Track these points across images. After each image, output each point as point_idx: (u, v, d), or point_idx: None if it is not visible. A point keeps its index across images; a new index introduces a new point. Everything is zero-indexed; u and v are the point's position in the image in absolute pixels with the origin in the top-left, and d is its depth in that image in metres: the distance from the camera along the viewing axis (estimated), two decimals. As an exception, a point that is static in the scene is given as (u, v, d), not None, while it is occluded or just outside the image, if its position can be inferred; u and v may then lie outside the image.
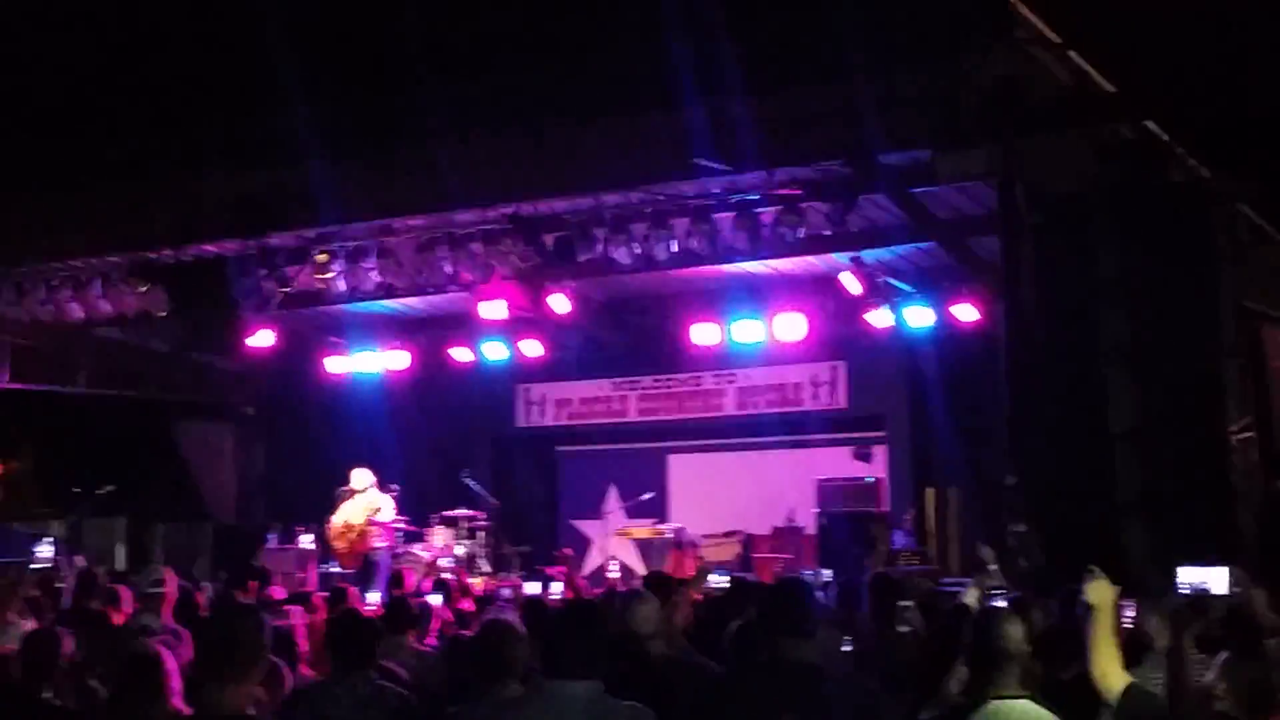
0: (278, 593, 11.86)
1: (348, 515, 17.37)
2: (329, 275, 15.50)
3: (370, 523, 17.28)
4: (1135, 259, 12.48)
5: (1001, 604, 9.39)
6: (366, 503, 17.39)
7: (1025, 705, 5.27)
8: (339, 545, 17.37)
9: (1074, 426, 12.69)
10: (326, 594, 11.52)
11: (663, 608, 7.03)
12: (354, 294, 15.98)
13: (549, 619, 5.57)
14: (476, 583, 16.21)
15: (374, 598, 11.85)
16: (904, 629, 8.61)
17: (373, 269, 15.38)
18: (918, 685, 6.65)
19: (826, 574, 13.82)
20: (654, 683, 6.01)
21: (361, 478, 17.53)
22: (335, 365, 19.69)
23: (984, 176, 12.81)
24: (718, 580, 11.18)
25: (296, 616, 9.38)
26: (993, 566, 13.51)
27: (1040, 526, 12.71)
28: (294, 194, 14.60)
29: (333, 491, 17.73)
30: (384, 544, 17.39)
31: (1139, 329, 12.48)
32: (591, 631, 5.17)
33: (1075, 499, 12.64)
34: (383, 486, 17.66)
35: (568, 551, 14.83)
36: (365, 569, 17.01)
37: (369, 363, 19.52)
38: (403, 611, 9.08)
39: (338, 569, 17.38)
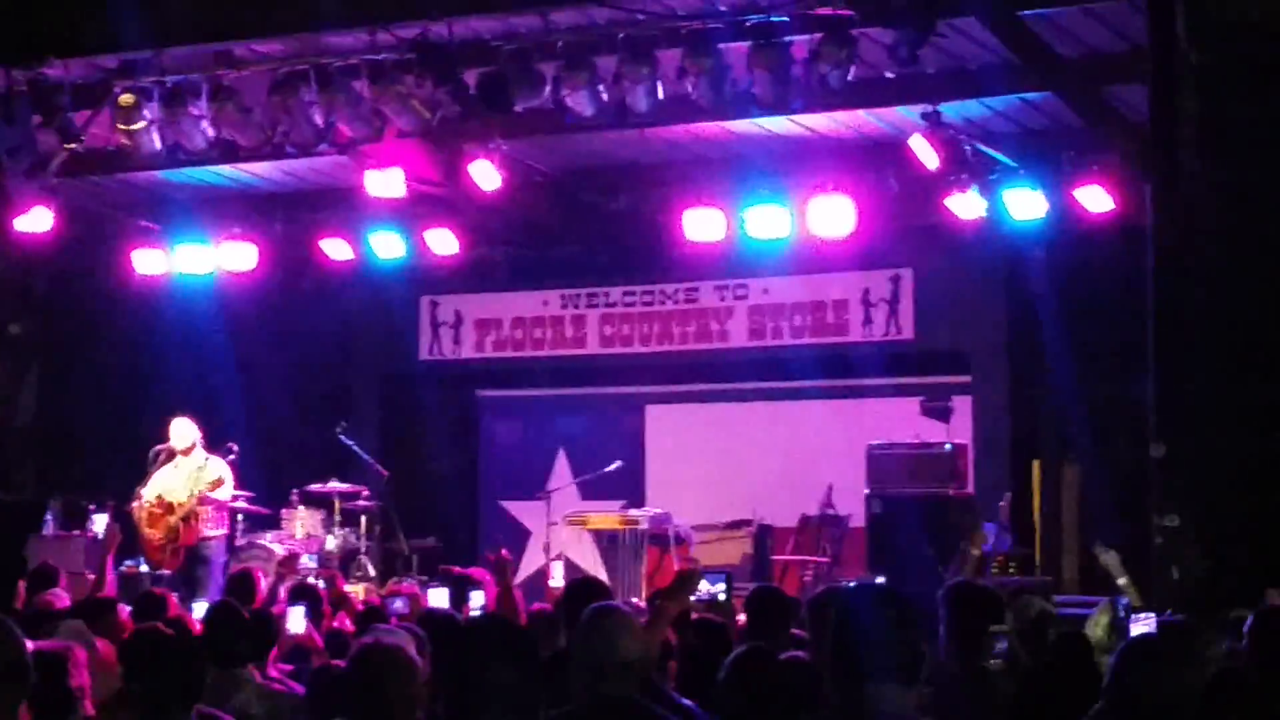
0: (59, 600, 11.83)
1: (165, 488, 17.35)
2: (137, 126, 15.36)
3: (201, 500, 17.28)
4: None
5: (1146, 630, 9.45)
6: (194, 470, 17.37)
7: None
8: (152, 533, 17.38)
9: (1256, 371, 12.71)
10: (131, 603, 11.51)
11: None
12: (175, 155, 15.84)
13: (460, 644, 5.53)
14: (356, 591, 16.20)
15: (202, 610, 11.85)
16: (996, 665, 8.64)
17: (204, 118, 15.26)
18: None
19: (879, 584, 13.86)
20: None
21: (184, 432, 17.50)
22: (146, 263, 19.61)
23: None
24: (709, 589, 11.19)
25: (84, 637, 9.34)
26: (1121, 580, 13.60)
27: (1201, 520, 12.77)
28: (86, 1, 14.46)
29: (141, 451, 17.72)
30: (219, 531, 17.40)
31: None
32: (523, 663, 5.15)
33: (1253, 480, 12.67)
34: (215, 447, 17.66)
35: (503, 554, 14.69)
36: (190, 568, 17.02)
37: (197, 260, 19.45)
38: (241, 631, 9.05)
39: (147, 567, 17.36)
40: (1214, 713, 6.23)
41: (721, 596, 11.01)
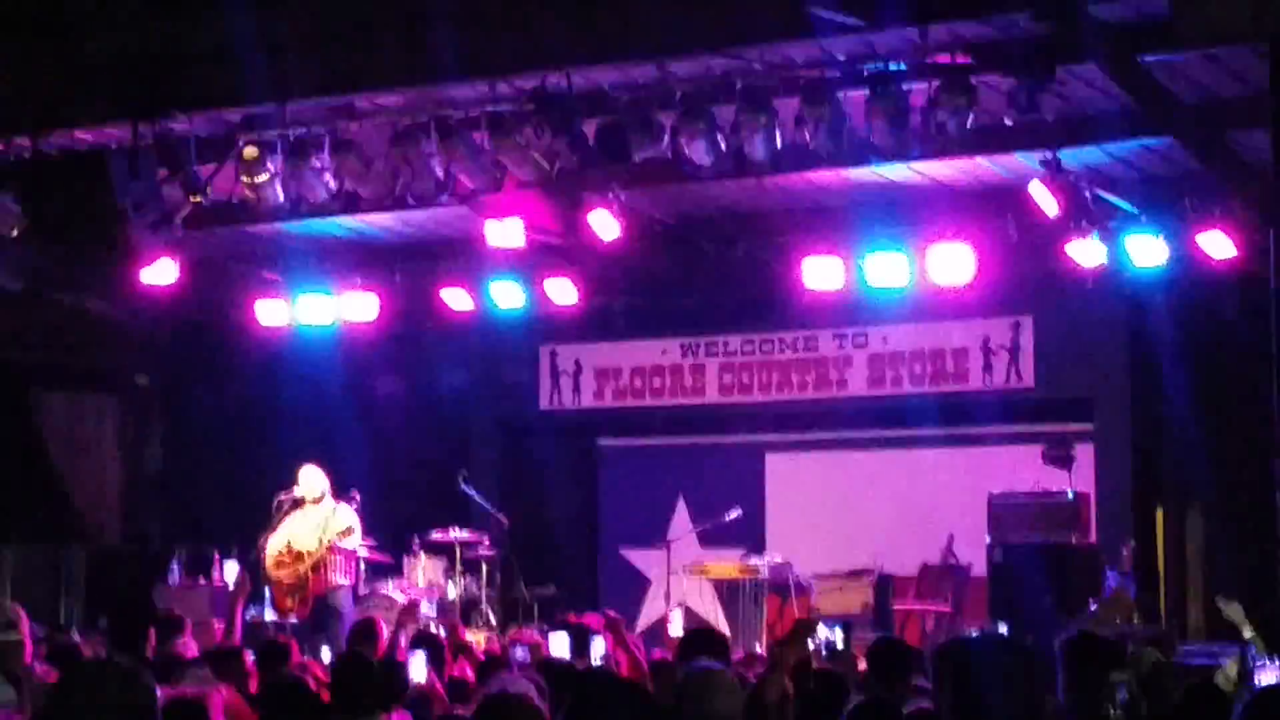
0: (188, 649, 11.92)
1: (294, 535, 17.44)
2: (260, 179, 15.51)
3: (331, 549, 17.37)
4: None
5: (1274, 680, 9.34)
6: (323, 518, 17.45)
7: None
8: (280, 580, 17.45)
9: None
10: (257, 651, 11.59)
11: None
12: (297, 207, 15.99)
13: (585, 694, 5.56)
14: (477, 639, 16.25)
15: (328, 658, 11.91)
16: (1117, 715, 8.58)
17: (326, 170, 15.39)
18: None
19: (1001, 634, 13.80)
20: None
21: (313, 480, 17.56)
22: (269, 314, 19.79)
23: (1248, 36, 12.65)
24: (826, 635, 11.17)
25: (210, 685, 9.42)
26: (1247, 631, 13.44)
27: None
28: (208, 55, 14.62)
29: (265, 500, 17.83)
30: (347, 581, 17.46)
31: None
32: (637, 713, 5.17)
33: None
34: (339, 495, 17.75)
35: (612, 615, 14.82)
36: (318, 616, 17.06)
37: (319, 311, 19.62)
38: (369, 680, 9.09)
39: (273, 615, 17.46)
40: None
41: (840, 645, 10.99)
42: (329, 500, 17.46)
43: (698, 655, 9.87)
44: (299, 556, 17.29)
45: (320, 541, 17.27)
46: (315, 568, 17.24)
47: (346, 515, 17.41)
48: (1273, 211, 13.32)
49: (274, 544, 17.38)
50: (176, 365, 21.50)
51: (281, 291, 19.70)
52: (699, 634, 10.62)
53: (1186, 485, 17.91)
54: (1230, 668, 10.39)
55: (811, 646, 10.86)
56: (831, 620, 16.47)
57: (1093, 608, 16.19)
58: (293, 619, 17.12)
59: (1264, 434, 13.86)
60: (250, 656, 11.32)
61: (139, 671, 5.62)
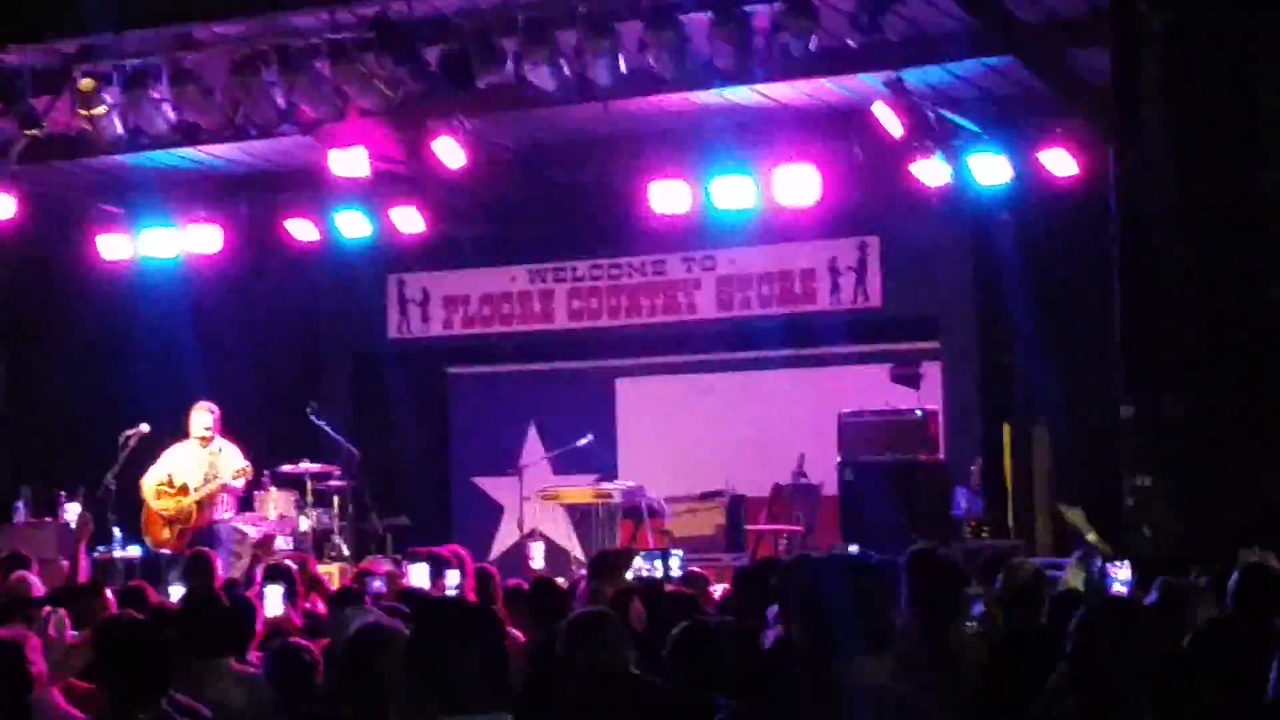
0: (33, 587, 11.78)
1: (177, 470, 17.26)
2: (98, 111, 15.32)
3: (226, 489, 17.25)
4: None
5: (1121, 589, 9.48)
6: (210, 455, 17.28)
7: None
8: (162, 509, 17.25)
9: (1222, 330, 12.73)
10: (116, 593, 11.47)
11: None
12: (137, 139, 15.81)
13: (438, 623, 5.52)
14: (331, 571, 16.19)
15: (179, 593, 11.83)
16: (971, 628, 8.66)
17: (165, 101, 15.22)
18: (995, 713, 6.68)
19: (853, 552, 13.90)
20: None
21: (204, 420, 17.39)
22: (111, 247, 19.56)
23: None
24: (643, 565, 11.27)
25: (61, 626, 9.36)
26: (1090, 535, 13.65)
27: (1172, 477, 12.80)
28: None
29: (113, 436, 17.66)
30: (228, 515, 17.38)
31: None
32: (494, 646, 5.18)
33: (1224, 436, 12.70)
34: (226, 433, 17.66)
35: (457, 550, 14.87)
36: (199, 550, 16.94)
37: (162, 243, 19.42)
38: (216, 616, 9.02)
39: (131, 552, 17.31)
40: (1195, 673, 6.24)
41: (658, 574, 11.06)
42: (217, 440, 17.36)
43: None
44: (183, 490, 17.19)
45: (206, 479, 17.16)
46: (201, 504, 17.14)
47: (238, 456, 17.30)
48: (1113, 129, 13.46)
49: (153, 475, 17.26)
50: (17, 302, 21.15)
51: (124, 225, 19.47)
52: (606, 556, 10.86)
53: (1033, 402, 18.10)
54: (1074, 573, 10.50)
55: (630, 576, 10.97)
56: (683, 544, 16.63)
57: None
58: (166, 551, 17.01)
59: (1106, 349, 14.07)
60: (111, 597, 11.25)
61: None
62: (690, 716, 6.74)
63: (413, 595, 11.05)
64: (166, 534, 17.21)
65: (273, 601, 10.57)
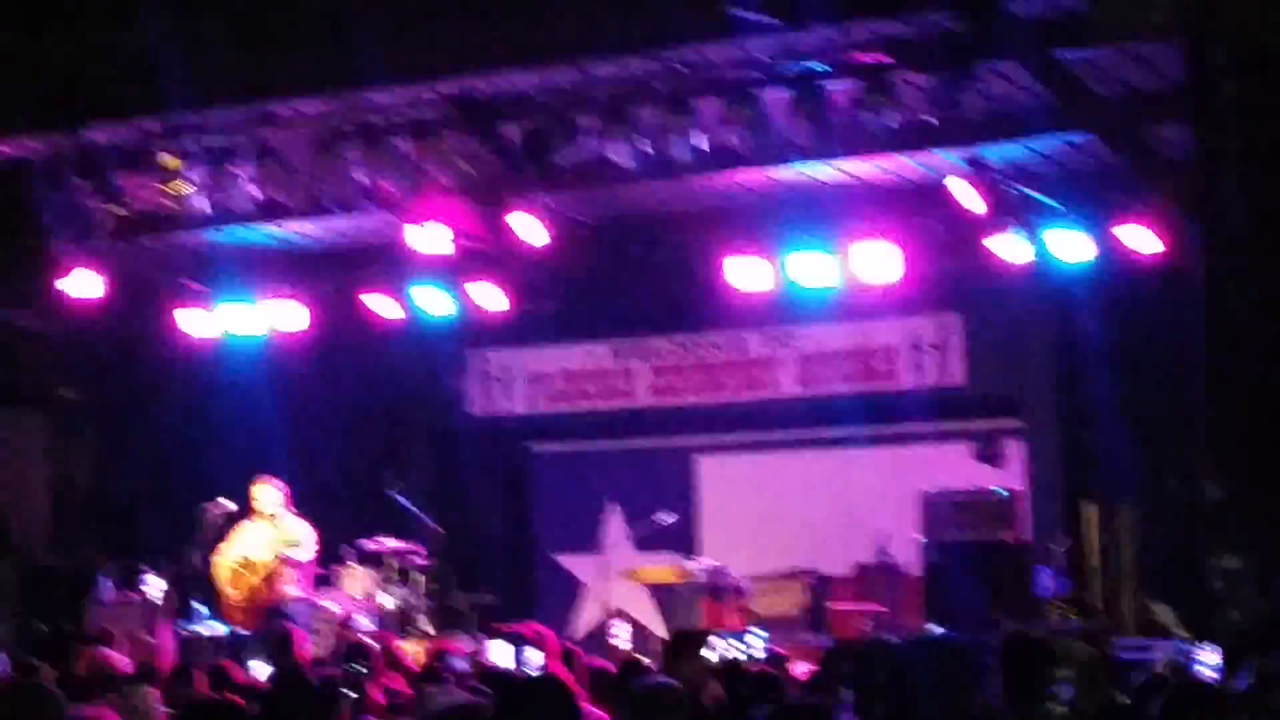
0: (118, 662, 11.83)
1: (249, 548, 17.38)
2: (183, 189, 15.45)
3: (282, 560, 17.31)
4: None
5: (1209, 673, 9.36)
6: (278, 533, 17.41)
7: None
8: (234, 593, 17.39)
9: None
10: (207, 672, 11.51)
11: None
12: (221, 217, 15.96)
13: (520, 701, 5.51)
14: (413, 649, 16.17)
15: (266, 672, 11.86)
16: (1060, 712, 8.58)
17: (248, 178, 15.34)
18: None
19: (936, 633, 13.83)
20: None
21: (269, 496, 17.54)
22: (195, 324, 19.66)
23: (1165, 31, 12.70)
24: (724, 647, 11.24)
25: (148, 701, 9.40)
26: (1180, 633, 13.49)
27: (1260, 559, 12.67)
28: (127, 64, 14.55)
29: (194, 513, 17.74)
30: (299, 593, 17.41)
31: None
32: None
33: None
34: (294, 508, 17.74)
35: (539, 628, 14.93)
36: (271, 628, 16.94)
37: (245, 320, 19.51)
38: (302, 695, 9.01)
39: (209, 630, 17.34)
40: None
41: (739, 654, 11.01)
42: (284, 514, 17.44)
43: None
44: (253, 568, 17.28)
45: (275, 554, 17.27)
46: (268, 579, 17.22)
47: (295, 526, 17.39)
48: (1194, 205, 13.38)
49: (227, 559, 17.33)
50: (104, 378, 21.36)
51: (208, 302, 19.59)
52: (684, 635, 10.88)
53: (1116, 481, 17.94)
54: (1163, 658, 10.41)
55: (714, 659, 10.88)
56: (766, 623, 16.55)
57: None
58: (244, 632, 17.07)
59: (1190, 429, 13.95)
60: (199, 674, 11.30)
61: (46, 689, 5.60)
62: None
63: (494, 673, 11.05)
64: (239, 616, 17.28)
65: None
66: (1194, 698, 5.62)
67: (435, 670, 12.38)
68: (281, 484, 17.52)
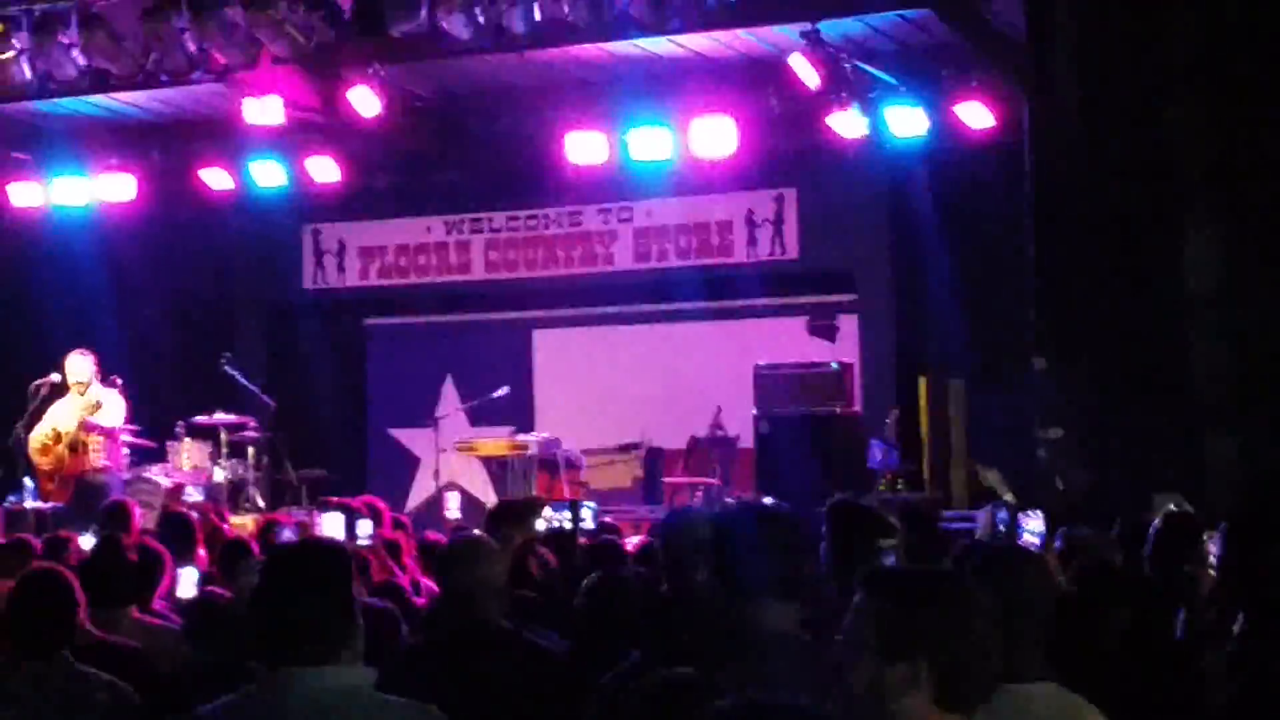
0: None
1: (59, 422, 17.17)
2: (6, 56, 15.18)
3: (85, 427, 17.11)
4: (1226, 38, 12.55)
5: (1032, 539, 9.52)
6: (85, 402, 17.20)
7: (1049, 691, 5.29)
8: (42, 462, 17.19)
9: (1133, 286, 12.79)
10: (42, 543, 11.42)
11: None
12: (46, 86, 15.68)
13: (285, 567, 5.39)
14: (245, 522, 16.11)
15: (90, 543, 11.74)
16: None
17: (74, 46, 15.09)
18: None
19: (768, 503, 13.91)
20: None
21: (80, 366, 17.27)
22: (21, 195, 19.39)
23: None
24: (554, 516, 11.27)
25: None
26: (1006, 495, 13.71)
27: (1084, 431, 12.87)
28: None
29: (22, 387, 17.54)
30: (108, 463, 17.24)
31: (1228, 142, 12.57)
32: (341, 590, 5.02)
33: (1134, 391, 12.77)
34: (105, 380, 17.50)
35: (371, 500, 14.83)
36: (82, 500, 16.80)
37: (72, 191, 19.24)
38: (121, 567, 8.97)
39: (35, 502, 17.19)
40: (1088, 614, 6.30)
41: (567, 525, 11.05)
42: (95, 386, 17.22)
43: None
44: (59, 438, 17.07)
45: (81, 423, 17.06)
46: (72, 448, 17.00)
47: (101, 392, 17.14)
48: (1028, 81, 13.49)
49: (38, 431, 17.14)
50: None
51: (34, 173, 19.30)
52: (507, 506, 10.90)
53: (948, 354, 18.16)
54: (982, 524, 10.56)
55: (542, 527, 10.93)
56: (600, 495, 16.65)
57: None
58: (55, 504, 16.89)
59: (1019, 303, 14.12)
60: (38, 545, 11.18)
61: None
62: (555, 669, 6.77)
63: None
64: (50, 486, 17.08)
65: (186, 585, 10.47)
66: (1004, 559, 5.67)
67: (268, 541, 12.30)
68: (91, 353, 17.25)
